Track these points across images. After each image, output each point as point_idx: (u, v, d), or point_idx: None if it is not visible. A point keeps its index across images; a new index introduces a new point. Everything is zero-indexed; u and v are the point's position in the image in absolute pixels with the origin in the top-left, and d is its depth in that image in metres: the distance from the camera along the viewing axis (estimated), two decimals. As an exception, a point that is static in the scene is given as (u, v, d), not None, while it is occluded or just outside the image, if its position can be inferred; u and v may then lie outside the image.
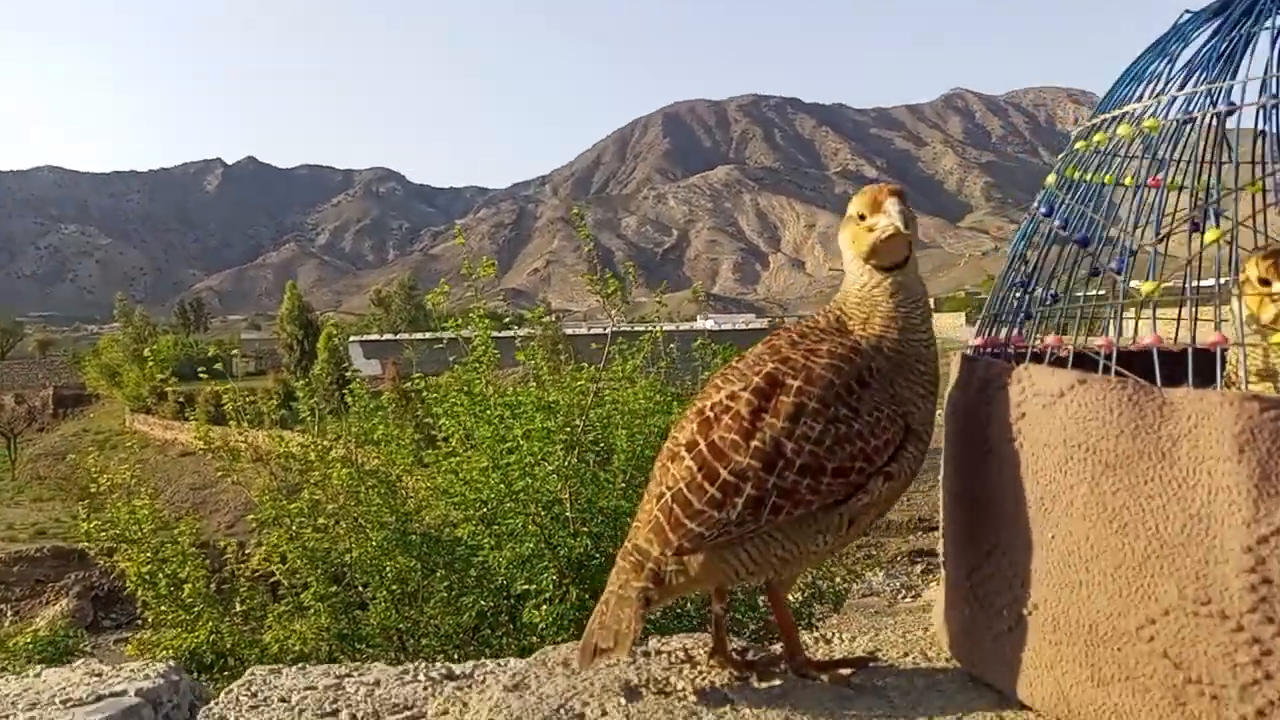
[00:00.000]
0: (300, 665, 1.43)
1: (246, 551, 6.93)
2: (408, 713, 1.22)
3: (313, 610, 6.07)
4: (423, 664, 1.41)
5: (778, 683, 1.24)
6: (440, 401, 6.65)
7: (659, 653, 1.37)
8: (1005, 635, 1.17)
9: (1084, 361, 1.14)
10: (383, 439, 6.62)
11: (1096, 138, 1.28)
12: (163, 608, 6.53)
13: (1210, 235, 1.07)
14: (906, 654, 1.36)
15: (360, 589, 6.32)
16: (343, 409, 7.27)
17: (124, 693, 1.29)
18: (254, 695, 1.31)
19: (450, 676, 1.36)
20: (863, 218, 1.24)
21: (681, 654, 1.36)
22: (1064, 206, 1.28)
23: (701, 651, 1.33)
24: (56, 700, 1.27)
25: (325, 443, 7.13)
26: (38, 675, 1.39)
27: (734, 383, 1.21)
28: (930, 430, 1.24)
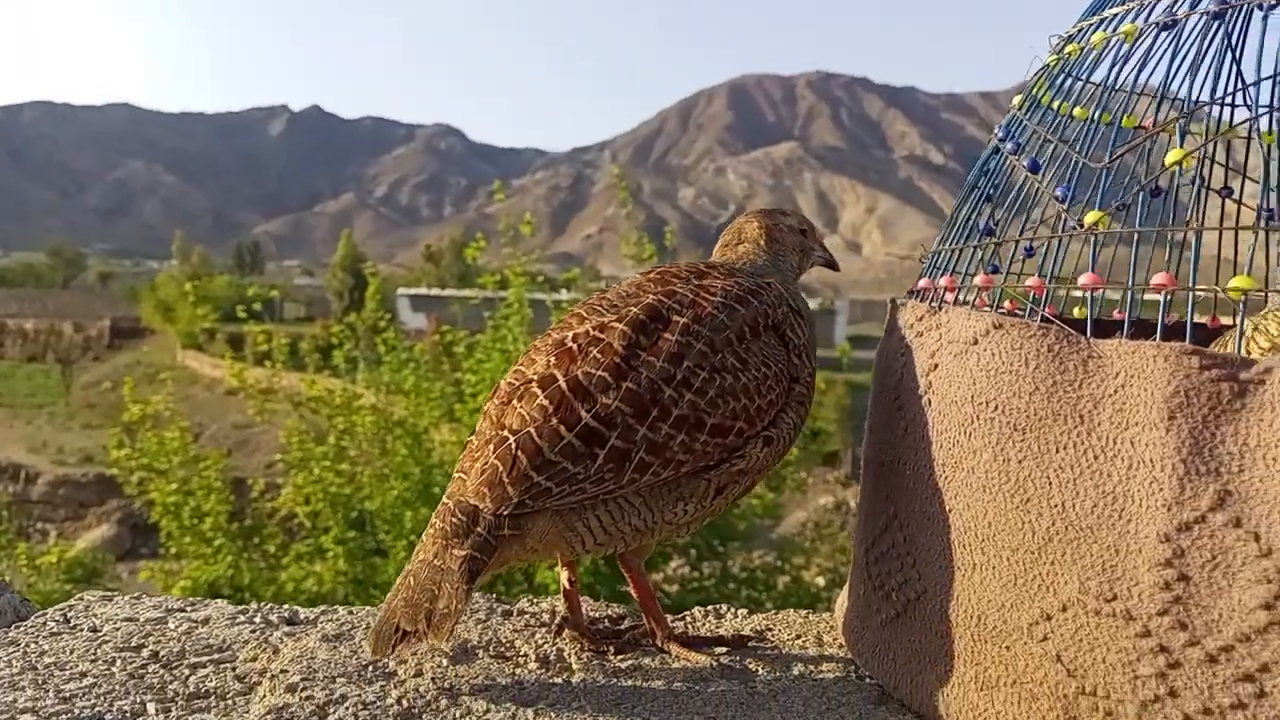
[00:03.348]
0: (136, 596, 1.29)
1: (276, 493, 6.95)
2: (217, 655, 1.08)
3: (331, 554, 6.08)
4: (270, 606, 1.27)
5: (638, 657, 1.08)
6: (468, 356, 6.58)
7: (522, 613, 1.22)
8: (892, 621, 0.99)
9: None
10: (412, 390, 6.56)
11: (1069, 50, 1.08)
12: (185, 539, 6.60)
13: (1173, 155, 0.87)
14: (799, 637, 1.18)
15: (380, 537, 6.31)
16: (375, 358, 7.24)
17: (-77, 606, 1.17)
18: (65, 621, 1.18)
19: (291, 621, 1.21)
20: (804, 234, 1.28)
21: (547, 616, 1.20)
22: (1021, 128, 1.08)
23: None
24: None
25: (355, 389, 7.10)
26: None
27: (604, 313, 1.02)
28: (811, 398, 1.09)
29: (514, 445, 0.94)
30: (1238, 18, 0.92)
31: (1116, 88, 1.00)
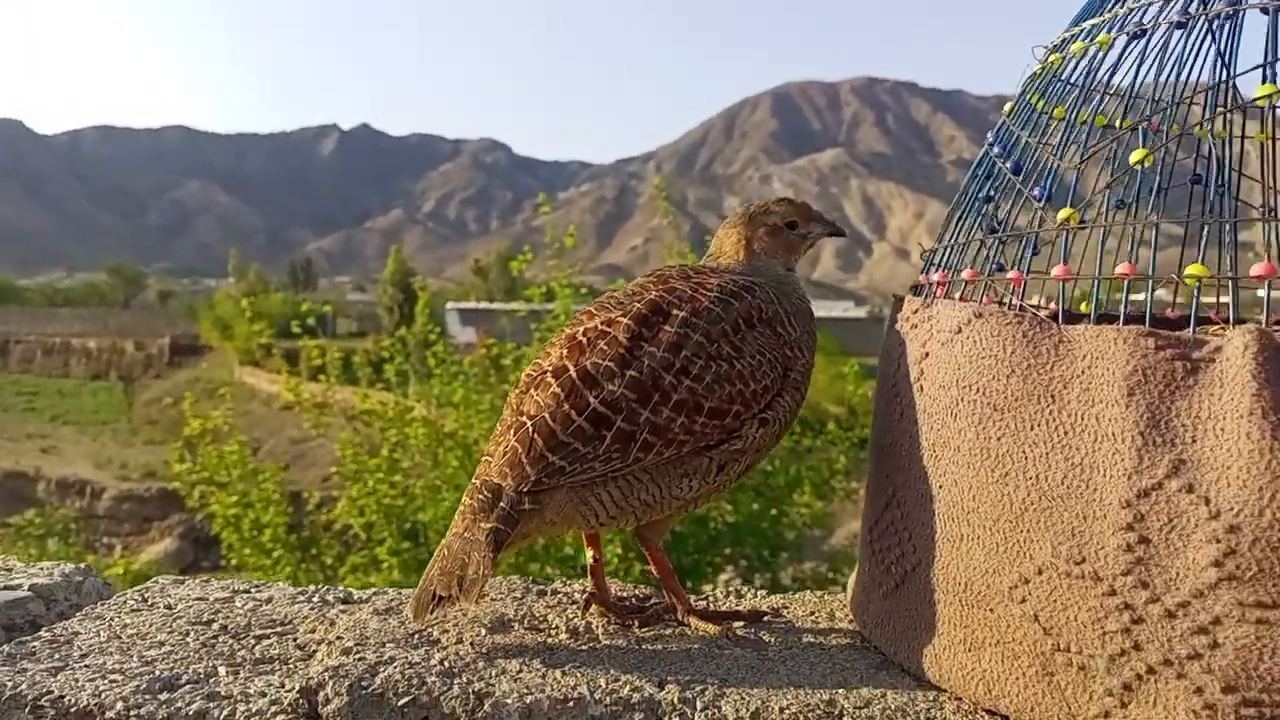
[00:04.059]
0: (206, 579, 1.42)
1: (332, 505, 7.14)
2: (280, 628, 1.19)
3: (386, 565, 6.24)
4: (327, 588, 1.38)
5: (660, 630, 1.17)
6: (515, 369, 6.70)
7: (555, 593, 1.31)
8: (892, 593, 1.07)
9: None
10: (462, 403, 6.70)
11: (1052, 59, 1.15)
12: (245, 550, 6.82)
13: (1136, 155, 0.94)
14: (813, 613, 1.26)
15: (433, 549, 6.44)
16: (426, 371, 7.40)
17: (19, 586, 1.30)
18: (143, 600, 1.30)
19: (346, 600, 1.32)
20: (792, 226, 1.30)
21: (579, 595, 1.30)
22: (1006, 132, 1.16)
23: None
24: (-47, 589, 1.29)
25: (406, 403, 7.27)
26: (-45, 567, 1.42)
27: (612, 310, 1.14)
28: (807, 385, 1.17)
29: (531, 429, 1.05)
30: (1202, 28, 0.99)
31: (1095, 89, 1.08)
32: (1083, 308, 1.30)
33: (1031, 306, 0.96)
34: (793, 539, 7.23)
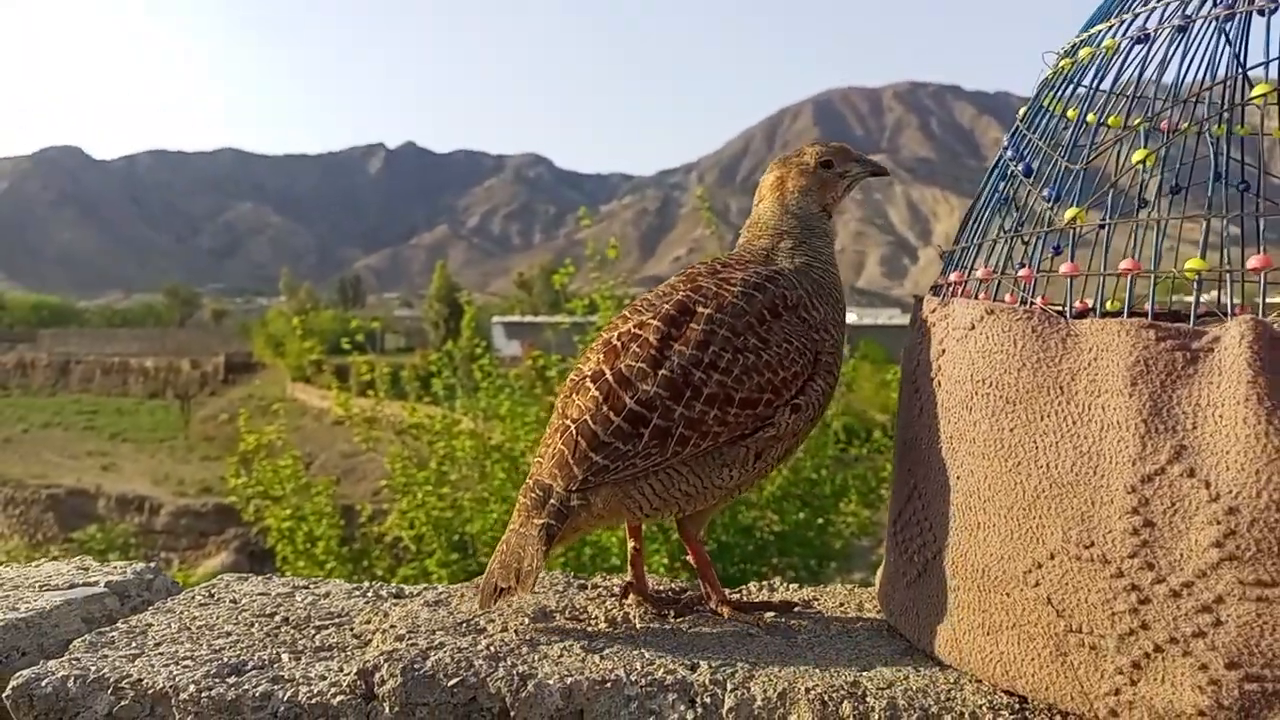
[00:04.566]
0: (268, 576, 1.50)
1: (383, 518, 7.29)
2: (337, 619, 1.27)
3: (435, 576, 6.35)
4: (380, 584, 1.46)
5: (694, 619, 1.22)
6: (561, 381, 6.78)
7: (595, 587, 1.38)
8: (915, 581, 1.11)
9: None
10: (508, 415, 6.81)
11: (1063, 64, 1.19)
12: (299, 563, 6.98)
13: (1138, 155, 0.98)
14: (842, 604, 1.31)
15: (481, 559, 6.55)
16: (473, 385, 7.52)
17: (96, 583, 1.39)
18: (210, 595, 1.38)
19: (399, 595, 1.40)
20: (829, 166, 1.32)
21: (618, 589, 1.35)
22: (1019, 136, 1.20)
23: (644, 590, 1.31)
24: (36, 585, 1.38)
25: (453, 416, 7.39)
26: (37, 565, 1.52)
27: (643, 312, 1.20)
28: (839, 365, 1.21)
29: (575, 432, 1.12)
30: (1204, 29, 1.02)
31: (1102, 92, 1.12)
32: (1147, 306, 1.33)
33: (1053, 306, 1.00)
34: (840, 548, 7.21)
